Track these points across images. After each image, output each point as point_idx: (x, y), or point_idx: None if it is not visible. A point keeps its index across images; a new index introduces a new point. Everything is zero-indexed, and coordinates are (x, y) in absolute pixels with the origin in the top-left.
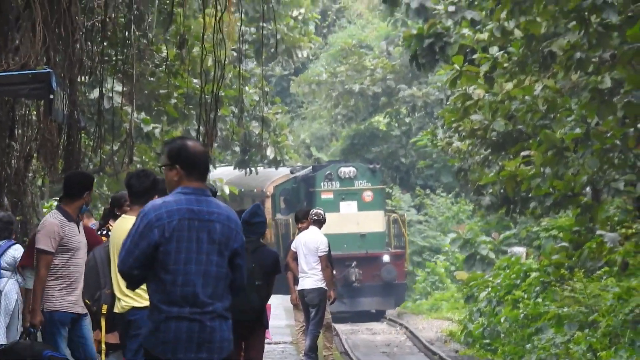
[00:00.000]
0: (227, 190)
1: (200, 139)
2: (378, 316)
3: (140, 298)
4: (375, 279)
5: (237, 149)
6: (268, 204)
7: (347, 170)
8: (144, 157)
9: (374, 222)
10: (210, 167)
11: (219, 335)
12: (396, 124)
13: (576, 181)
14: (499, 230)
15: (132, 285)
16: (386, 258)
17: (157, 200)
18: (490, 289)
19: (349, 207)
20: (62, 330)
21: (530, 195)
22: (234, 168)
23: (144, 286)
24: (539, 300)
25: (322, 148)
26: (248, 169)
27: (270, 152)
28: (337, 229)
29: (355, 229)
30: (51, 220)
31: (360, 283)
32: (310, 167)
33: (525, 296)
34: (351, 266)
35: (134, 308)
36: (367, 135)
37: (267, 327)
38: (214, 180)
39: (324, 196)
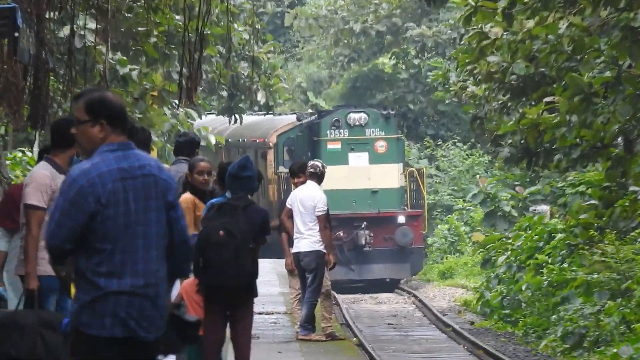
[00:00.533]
0: (212, 140)
1: (183, 82)
2: (391, 286)
3: None
4: (389, 242)
5: (225, 93)
6: (270, 155)
7: (357, 117)
8: None
9: (388, 176)
10: (194, 114)
11: (160, 311)
12: (403, 67)
13: (606, 130)
14: (524, 184)
15: (58, 260)
16: (401, 219)
17: (83, 163)
18: (509, 252)
19: (359, 159)
20: (52, 297)
21: (554, 147)
22: (217, 115)
23: None
24: (565, 265)
25: (319, 93)
26: (233, 117)
27: (260, 97)
28: (345, 184)
29: (366, 184)
30: (42, 172)
31: (371, 247)
32: (316, 114)
33: (550, 261)
34: (361, 227)
35: None
36: (370, 79)
37: (256, 295)
38: (198, 129)
39: (330, 146)
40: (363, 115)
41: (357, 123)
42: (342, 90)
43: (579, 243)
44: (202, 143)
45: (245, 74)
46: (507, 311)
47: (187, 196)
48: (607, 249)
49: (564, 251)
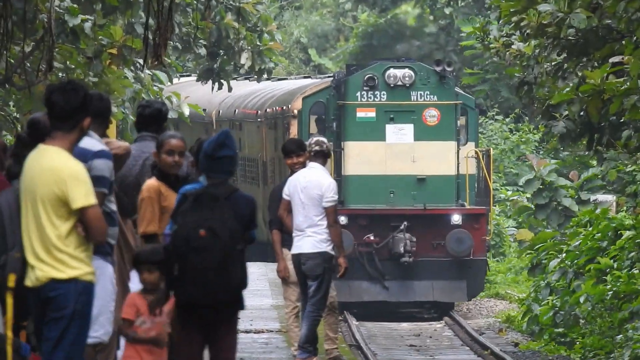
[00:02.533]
0: (186, 110)
1: (150, 36)
2: (440, 312)
3: (63, 266)
4: (439, 251)
5: (203, 51)
6: (294, 127)
7: (399, 74)
8: (68, 63)
9: (441, 159)
10: (163, 77)
11: None
12: (431, 17)
13: None
14: (578, 169)
15: None
16: (457, 218)
17: None
18: (564, 254)
19: (400, 133)
20: None
21: (622, 120)
22: (198, 79)
23: (69, 250)
24: (635, 271)
25: (324, 50)
26: (217, 84)
27: (244, 59)
28: (380, 168)
29: (409, 169)
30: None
31: (414, 257)
32: (343, 69)
33: (616, 265)
34: (400, 229)
35: (53, 280)
36: (390, 33)
37: (243, 308)
38: (168, 97)
39: (360, 114)
40: (408, 71)
41: (399, 83)
42: (354, 48)
43: None
44: (173, 115)
45: (228, 30)
46: (560, 329)
47: (150, 183)
48: None
49: (633, 253)
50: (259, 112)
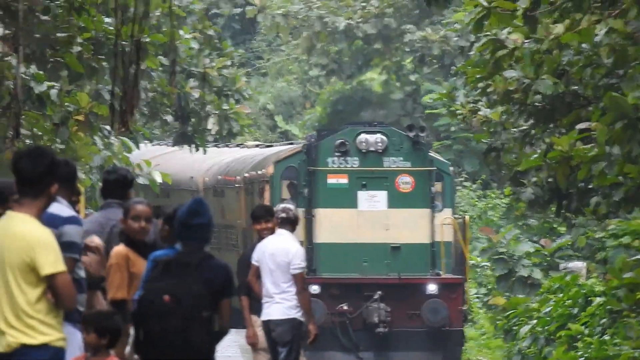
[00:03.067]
0: (158, 178)
1: (116, 103)
2: None
3: (34, 332)
4: (414, 321)
5: (170, 118)
6: (267, 192)
7: (371, 139)
8: (35, 130)
9: (415, 227)
10: (131, 144)
11: None
12: (397, 84)
13: None
14: (547, 236)
15: None
16: (432, 288)
17: None
18: (536, 321)
19: (373, 200)
20: None
21: (590, 187)
22: (174, 145)
23: (39, 316)
24: (606, 337)
25: (291, 117)
26: (194, 147)
27: (211, 125)
28: (353, 235)
29: (383, 237)
30: None
31: (389, 328)
32: (314, 134)
33: (587, 332)
34: (374, 299)
35: (24, 346)
36: (356, 100)
37: None
38: (138, 164)
39: (332, 180)
40: (380, 137)
41: (371, 148)
42: (321, 114)
43: (624, 309)
44: (145, 182)
45: (196, 95)
46: None
47: (118, 249)
48: None
49: (604, 319)
50: (237, 178)
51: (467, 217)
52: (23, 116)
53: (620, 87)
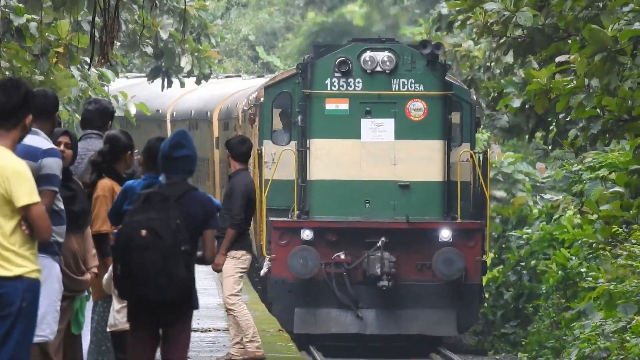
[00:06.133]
0: (132, 110)
1: (97, 34)
2: (427, 348)
3: (8, 264)
4: (424, 273)
5: (149, 50)
6: (256, 122)
7: (378, 57)
8: (14, 62)
9: (427, 162)
10: (110, 74)
11: None
12: (379, 16)
13: (635, 98)
14: (545, 161)
15: None
16: (446, 234)
17: None
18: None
19: (378, 130)
20: None
21: (569, 119)
22: (149, 79)
23: (14, 248)
24: (582, 270)
25: (272, 48)
26: (166, 81)
27: (185, 63)
28: (354, 171)
29: (389, 174)
30: None
31: (394, 281)
32: (312, 53)
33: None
34: (377, 247)
35: (0, 278)
36: (336, 31)
37: (196, 307)
38: (115, 95)
39: (330, 105)
40: (388, 54)
41: (377, 68)
42: (301, 45)
43: (600, 242)
44: (120, 114)
45: (167, 35)
46: (507, 329)
47: (104, 182)
48: (635, 249)
49: (578, 255)
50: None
51: (488, 151)
52: (2, 48)
53: (600, 20)
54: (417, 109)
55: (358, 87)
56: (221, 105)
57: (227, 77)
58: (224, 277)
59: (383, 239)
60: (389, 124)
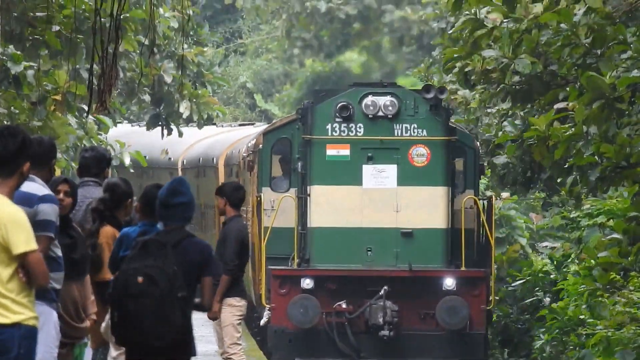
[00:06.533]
0: (127, 159)
1: (95, 81)
2: None
3: (6, 311)
4: (427, 323)
5: (147, 98)
6: (255, 169)
7: (380, 102)
8: (12, 109)
9: (431, 209)
10: (109, 121)
11: None
12: (376, 64)
13: (633, 145)
14: (537, 209)
15: None
16: (450, 283)
17: None
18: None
19: (380, 176)
20: None
21: (567, 166)
22: (148, 129)
23: (11, 295)
24: (581, 317)
25: (270, 96)
26: (166, 130)
27: (183, 109)
28: (355, 218)
29: (391, 221)
30: None
31: (396, 331)
32: (311, 98)
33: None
34: (378, 296)
35: None
36: (333, 80)
37: (193, 354)
38: (111, 144)
39: (331, 151)
40: (390, 99)
41: (379, 113)
42: (299, 93)
43: (598, 288)
44: (115, 162)
45: (171, 79)
46: None
47: (106, 229)
48: (634, 296)
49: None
50: (215, 158)
51: (493, 197)
52: (0, 95)
53: (598, 67)
54: (420, 154)
55: (360, 132)
56: (227, 152)
57: (240, 124)
58: (223, 326)
59: (385, 287)
60: (391, 169)
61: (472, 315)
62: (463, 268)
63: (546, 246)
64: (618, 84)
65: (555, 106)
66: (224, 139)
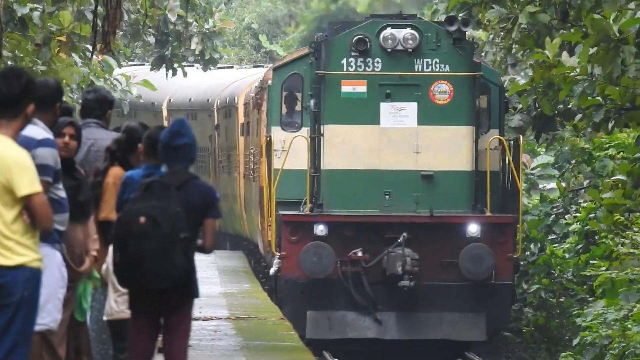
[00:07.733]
0: (134, 91)
1: (99, 23)
2: (453, 353)
3: (10, 253)
4: (449, 272)
5: (151, 39)
6: (264, 107)
7: (399, 35)
8: (17, 52)
9: (453, 150)
10: (112, 62)
11: None
12: (383, 4)
13: (638, 87)
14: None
15: None
16: (474, 229)
17: None
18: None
19: (399, 115)
20: None
21: (570, 106)
22: (151, 69)
23: (15, 237)
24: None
25: (275, 37)
26: (170, 70)
27: (194, 44)
28: (372, 160)
29: (411, 163)
30: None
31: (416, 281)
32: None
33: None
34: (397, 244)
35: (0, 267)
36: (340, 19)
37: (197, 296)
38: (117, 78)
39: (346, 88)
40: (411, 32)
41: (399, 47)
42: (304, 33)
43: (602, 230)
44: (119, 96)
45: (176, 17)
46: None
47: (115, 170)
48: (638, 237)
49: (580, 245)
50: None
51: (520, 137)
52: (5, 38)
53: (601, 9)
54: (442, 91)
55: (377, 67)
56: (246, 91)
57: (254, 67)
58: None
59: (404, 234)
60: (411, 108)
61: (497, 265)
62: (488, 213)
63: (544, 186)
64: (622, 25)
65: (561, 38)
66: (215, 80)
